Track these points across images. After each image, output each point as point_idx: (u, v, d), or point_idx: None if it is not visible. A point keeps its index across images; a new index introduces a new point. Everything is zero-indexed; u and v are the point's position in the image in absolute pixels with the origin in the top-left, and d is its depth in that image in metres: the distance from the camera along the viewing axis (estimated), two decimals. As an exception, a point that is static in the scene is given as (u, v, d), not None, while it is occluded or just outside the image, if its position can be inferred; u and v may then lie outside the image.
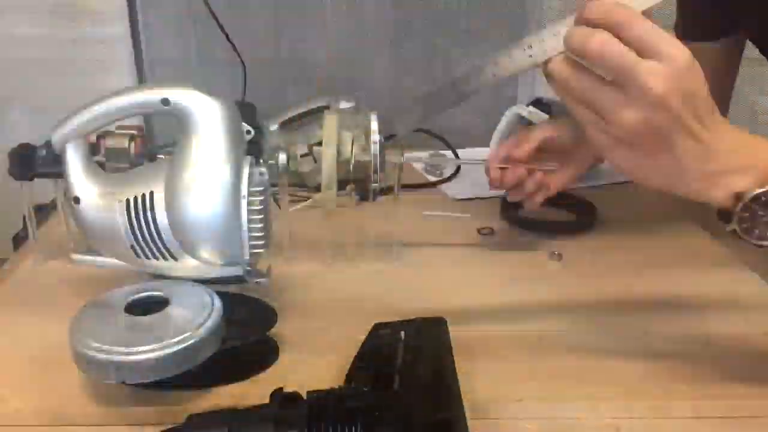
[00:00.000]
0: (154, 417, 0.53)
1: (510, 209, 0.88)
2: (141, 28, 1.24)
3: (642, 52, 0.44)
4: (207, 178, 0.56)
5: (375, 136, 0.71)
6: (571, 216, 0.91)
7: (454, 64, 1.30)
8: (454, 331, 0.63)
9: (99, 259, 0.61)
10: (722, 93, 0.92)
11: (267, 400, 0.47)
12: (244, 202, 0.57)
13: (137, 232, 0.57)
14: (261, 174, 0.58)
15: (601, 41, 0.44)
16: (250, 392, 0.54)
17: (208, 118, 0.56)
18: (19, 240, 0.83)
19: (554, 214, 0.89)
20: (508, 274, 0.76)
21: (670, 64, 0.44)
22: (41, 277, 0.73)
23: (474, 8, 1.26)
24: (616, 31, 0.44)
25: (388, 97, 1.31)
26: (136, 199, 0.57)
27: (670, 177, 0.49)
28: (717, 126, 0.47)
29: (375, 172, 0.71)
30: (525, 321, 0.66)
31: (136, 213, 0.56)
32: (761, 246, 0.50)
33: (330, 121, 0.72)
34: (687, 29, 0.87)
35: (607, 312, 0.67)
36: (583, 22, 0.46)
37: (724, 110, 0.90)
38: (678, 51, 0.44)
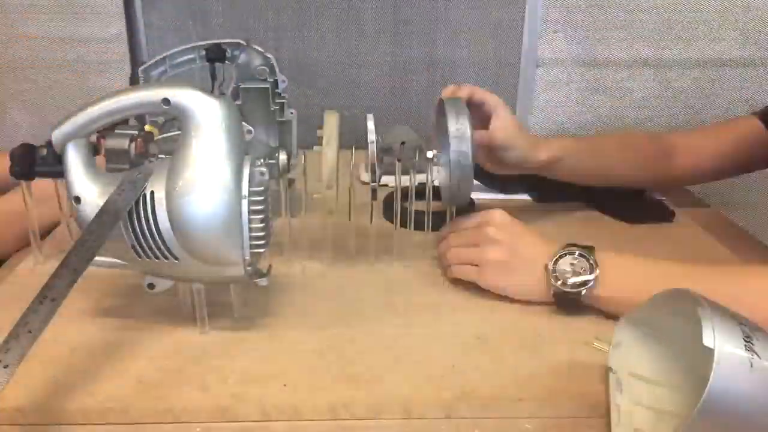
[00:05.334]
0: (154, 416, 0.53)
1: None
2: (142, 27, 1.24)
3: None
4: (207, 178, 0.56)
5: (371, 136, 0.70)
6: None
7: (454, 65, 1.30)
8: (453, 330, 0.64)
9: (99, 259, 0.60)
10: None
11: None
12: (244, 202, 0.57)
13: (137, 232, 0.57)
14: (261, 174, 0.58)
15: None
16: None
17: (208, 117, 0.56)
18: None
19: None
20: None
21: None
22: (41, 277, 0.72)
23: (474, 9, 1.26)
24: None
25: (389, 97, 1.31)
26: (136, 198, 0.57)
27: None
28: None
29: (372, 171, 0.71)
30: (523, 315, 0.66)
31: (137, 213, 0.56)
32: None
33: (330, 120, 0.72)
34: None
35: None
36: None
37: None
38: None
